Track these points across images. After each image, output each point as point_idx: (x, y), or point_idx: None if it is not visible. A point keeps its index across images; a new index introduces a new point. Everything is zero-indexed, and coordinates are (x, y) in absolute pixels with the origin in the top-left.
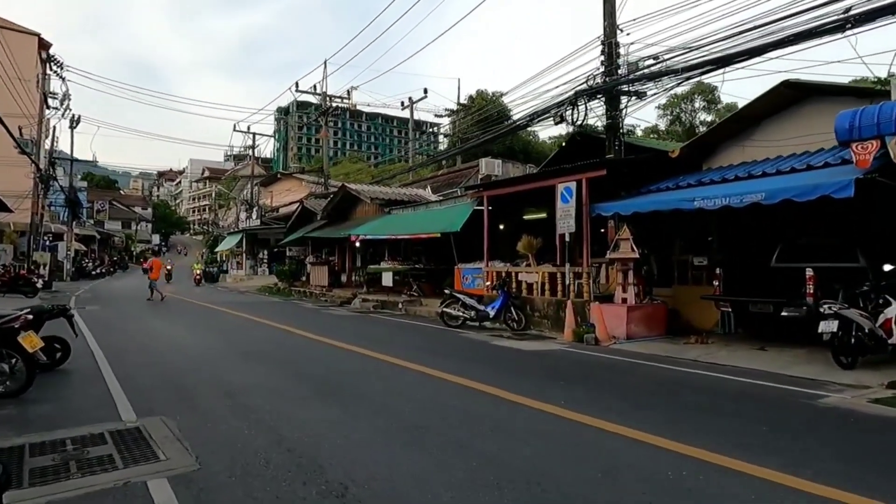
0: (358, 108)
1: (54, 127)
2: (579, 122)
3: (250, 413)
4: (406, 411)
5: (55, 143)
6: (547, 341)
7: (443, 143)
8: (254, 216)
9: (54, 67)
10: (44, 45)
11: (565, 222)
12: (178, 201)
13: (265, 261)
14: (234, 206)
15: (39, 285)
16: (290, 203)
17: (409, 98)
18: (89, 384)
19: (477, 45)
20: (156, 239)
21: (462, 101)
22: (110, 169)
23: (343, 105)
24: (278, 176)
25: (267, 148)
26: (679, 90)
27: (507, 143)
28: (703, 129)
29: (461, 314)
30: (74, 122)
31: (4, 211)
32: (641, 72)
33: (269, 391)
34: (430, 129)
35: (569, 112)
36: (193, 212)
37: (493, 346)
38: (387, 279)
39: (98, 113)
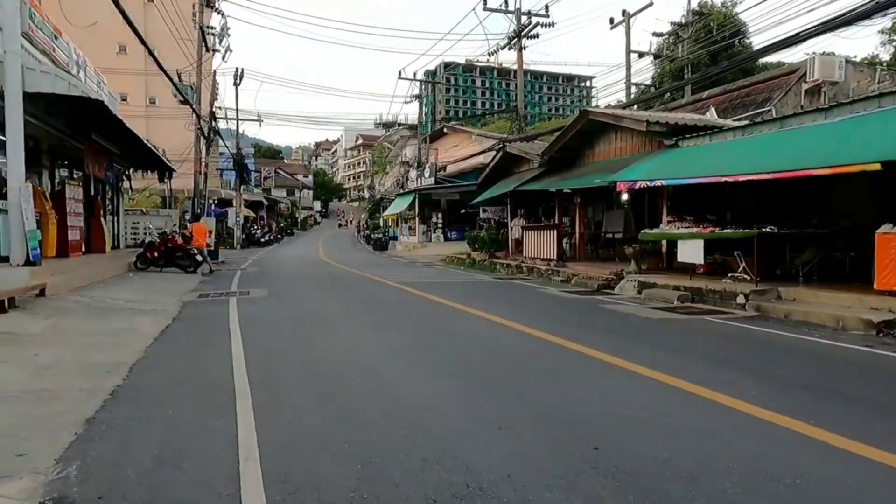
0: (504, 65)
1: (214, 71)
2: None
3: None
4: None
5: (216, 92)
6: None
7: (646, 72)
8: (426, 174)
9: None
10: None
11: None
12: (334, 169)
13: (439, 225)
14: (394, 167)
15: (200, 258)
16: (460, 160)
17: (624, 11)
18: None
19: None
20: (317, 205)
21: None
22: (274, 145)
23: (543, 21)
24: (444, 130)
25: (410, 114)
26: None
27: (748, 68)
28: None
29: None
30: (238, 78)
31: (169, 171)
32: None
33: None
34: (651, 53)
35: None
36: (349, 179)
37: None
38: (689, 251)
39: (262, 66)
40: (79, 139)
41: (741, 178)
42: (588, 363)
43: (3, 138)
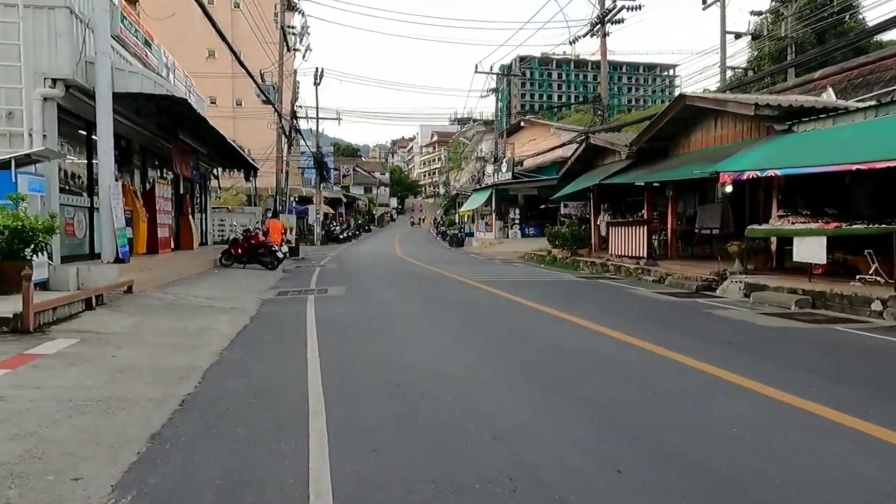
0: (580, 56)
1: (295, 71)
2: None
3: None
4: None
5: (297, 92)
6: None
7: (740, 56)
8: (503, 169)
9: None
10: None
11: None
12: (410, 166)
13: (516, 221)
14: (469, 163)
15: (281, 254)
16: (538, 153)
17: None
18: None
19: None
20: (393, 202)
21: None
22: (353, 144)
23: (629, 4)
24: (521, 124)
25: (485, 110)
26: None
27: (861, 47)
28: None
29: None
30: (318, 78)
31: (253, 170)
32: None
33: None
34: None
35: None
36: (425, 175)
37: None
38: (808, 250)
39: (340, 65)
40: (167, 139)
41: (878, 166)
42: (709, 383)
43: (96, 138)
